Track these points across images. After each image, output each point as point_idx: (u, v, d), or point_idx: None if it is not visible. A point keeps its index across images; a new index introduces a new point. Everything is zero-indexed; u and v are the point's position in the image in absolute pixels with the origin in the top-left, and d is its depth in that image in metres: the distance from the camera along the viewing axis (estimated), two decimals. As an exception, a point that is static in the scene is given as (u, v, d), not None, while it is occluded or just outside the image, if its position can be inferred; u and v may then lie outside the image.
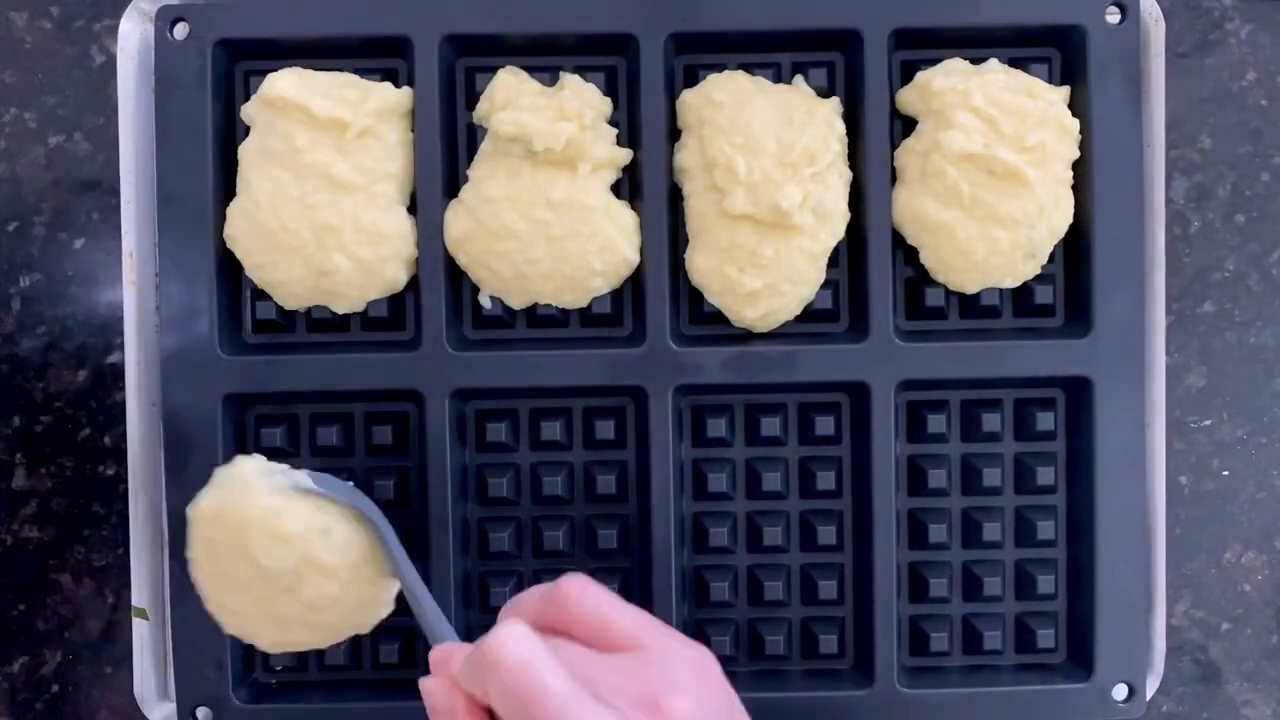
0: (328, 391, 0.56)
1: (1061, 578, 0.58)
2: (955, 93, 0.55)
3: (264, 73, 0.55)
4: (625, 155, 0.56)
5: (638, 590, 0.57)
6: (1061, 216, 0.56)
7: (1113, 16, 0.56)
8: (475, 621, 0.57)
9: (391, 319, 0.58)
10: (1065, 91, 0.56)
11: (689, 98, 0.56)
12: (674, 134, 0.57)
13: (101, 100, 0.59)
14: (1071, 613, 0.58)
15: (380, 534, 0.51)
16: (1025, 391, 0.58)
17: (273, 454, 0.56)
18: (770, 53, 0.58)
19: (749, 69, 0.57)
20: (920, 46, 0.57)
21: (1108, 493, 0.56)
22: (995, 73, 0.56)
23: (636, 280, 0.57)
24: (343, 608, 0.51)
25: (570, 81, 0.56)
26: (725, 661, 0.58)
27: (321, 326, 0.58)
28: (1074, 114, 0.56)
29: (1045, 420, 0.58)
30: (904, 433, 0.58)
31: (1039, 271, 0.57)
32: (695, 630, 0.58)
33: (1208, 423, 0.60)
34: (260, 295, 0.57)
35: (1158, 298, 0.57)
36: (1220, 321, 0.60)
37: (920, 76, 0.56)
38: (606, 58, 0.57)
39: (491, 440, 0.58)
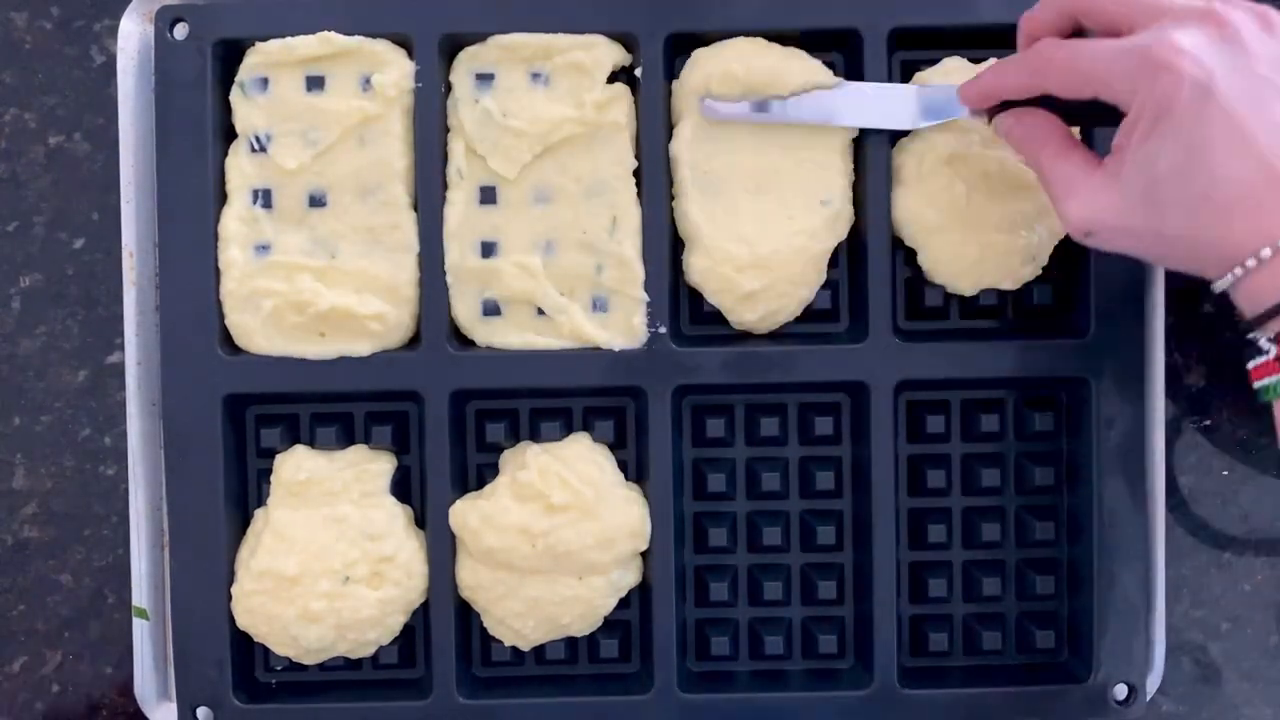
0: (328, 392, 0.56)
1: (1061, 578, 0.58)
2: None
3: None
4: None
5: (636, 590, 0.58)
6: None
7: (1113, 16, 0.56)
8: (475, 623, 0.58)
9: (391, 319, 0.58)
10: None
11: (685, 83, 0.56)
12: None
13: (101, 100, 0.59)
14: (1071, 613, 0.58)
15: None
16: (1024, 391, 0.58)
17: (272, 454, 0.57)
18: (770, 53, 0.58)
19: (749, 69, 0.57)
20: (919, 46, 0.57)
21: (1107, 493, 0.56)
22: None
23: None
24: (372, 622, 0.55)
25: None
26: (725, 661, 0.58)
27: (321, 326, 0.58)
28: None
29: (1045, 420, 0.58)
30: (904, 433, 0.58)
31: (1039, 274, 0.57)
32: (695, 630, 0.59)
33: (1208, 423, 0.60)
34: (260, 295, 0.57)
35: (1158, 298, 0.57)
36: (1220, 321, 0.60)
37: (918, 77, 0.56)
38: (606, 58, 0.57)
39: (491, 440, 0.58)
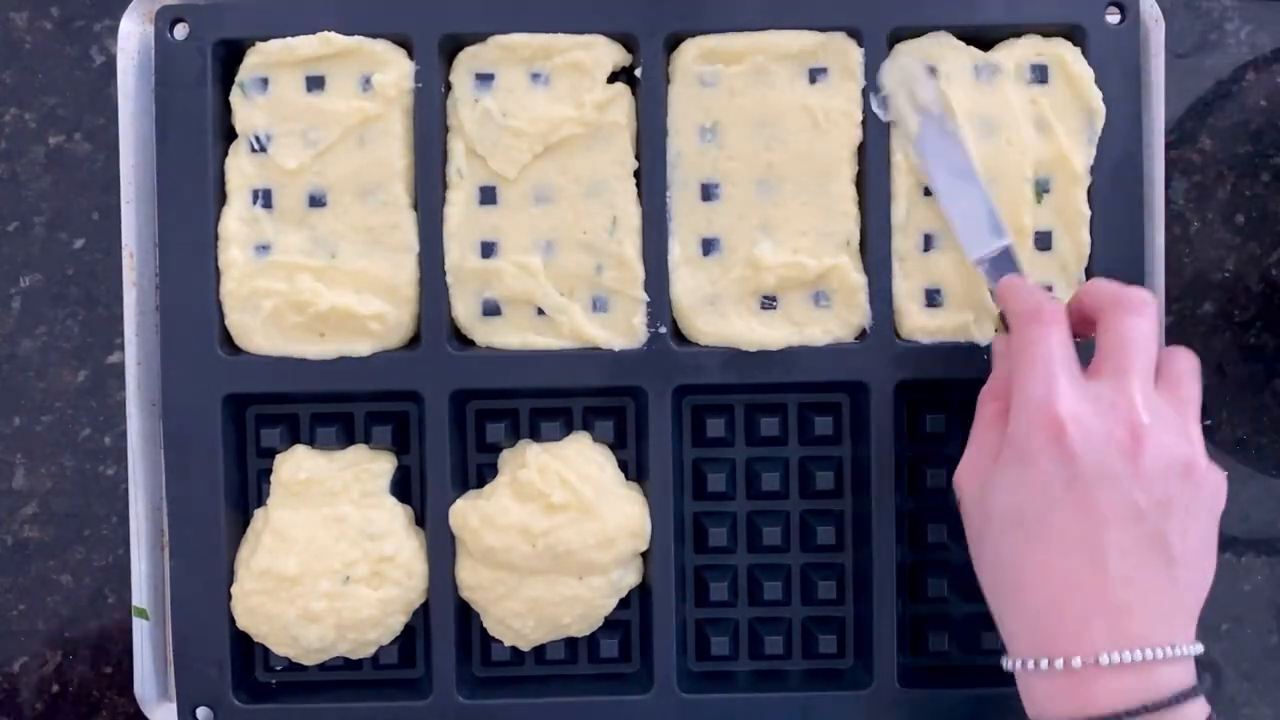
0: (328, 392, 0.56)
1: (1061, 578, 0.58)
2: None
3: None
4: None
5: (636, 590, 0.58)
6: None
7: (1112, 17, 0.56)
8: (475, 623, 0.57)
9: (391, 319, 0.58)
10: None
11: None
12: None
13: (101, 100, 0.59)
14: (1071, 613, 0.58)
15: None
16: (1025, 391, 0.58)
17: (272, 454, 0.57)
18: (770, 53, 0.58)
19: (749, 69, 0.57)
20: (920, 46, 0.57)
21: (1108, 493, 0.56)
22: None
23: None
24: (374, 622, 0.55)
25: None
26: (725, 661, 0.58)
27: (321, 326, 0.58)
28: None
29: (1045, 420, 0.57)
30: (904, 433, 0.58)
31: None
32: (695, 630, 0.59)
33: (1208, 423, 0.60)
34: (260, 295, 0.57)
35: (1158, 298, 0.57)
36: (1220, 321, 0.60)
37: (899, 48, 0.56)
38: (606, 58, 0.57)
39: (491, 441, 0.58)
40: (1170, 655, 0.44)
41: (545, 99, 0.55)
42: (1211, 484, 0.47)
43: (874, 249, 0.56)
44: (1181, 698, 0.44)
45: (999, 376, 0.50)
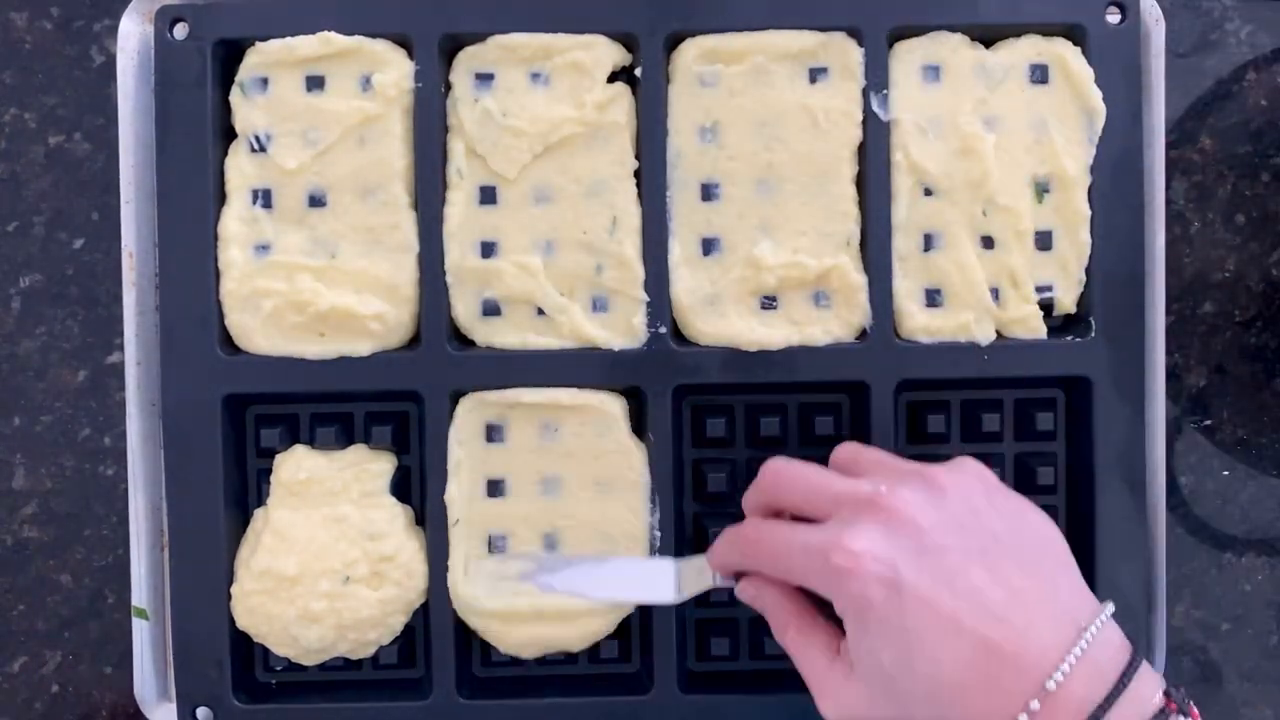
0: (328, 392, 0.56)
1: (1061, 578, 0.58)
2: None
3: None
4: None
5: (638, 590, 0.58)
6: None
7: (1113, 16, 0.56)
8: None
9: (391, 319, 0.58)
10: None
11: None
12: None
13: (101, 100, 0.59)
14: (1071, 613, 0.58)
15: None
16: (1025, 391, 0.58)
17: (272, 454, 0.57)
18: (770, 53, 0.58)
19: (749, 69, 0.57)
20: (920, 46, 0.57)
21: (1107, 492, 0.56)
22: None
23: (636, 280, 0.57)
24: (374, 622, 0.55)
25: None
26: (725, 661, 0.58)
27: (321, 326, 0.58)
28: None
29: (1045, 420, 0.57)
30: (904, 433, 0.58)
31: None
32: (695, 630, 0.58)
33: (1208, 423, 0.60)
34: (260, 295, 0.57)
35: (1158, 298, 0.57)
36: (1220, 321, 0.60)
37: (899, 46, 0.56)
38: (606, 57, 0.57)
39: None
40: (1094, 636, 0.44)
41: (545, 99, 0.55)
42: (968, 469, 0.47)
43: (874, 249, 0.56)
44: (1127, 677, 0.43)
45: (775, 627, 0.50)
